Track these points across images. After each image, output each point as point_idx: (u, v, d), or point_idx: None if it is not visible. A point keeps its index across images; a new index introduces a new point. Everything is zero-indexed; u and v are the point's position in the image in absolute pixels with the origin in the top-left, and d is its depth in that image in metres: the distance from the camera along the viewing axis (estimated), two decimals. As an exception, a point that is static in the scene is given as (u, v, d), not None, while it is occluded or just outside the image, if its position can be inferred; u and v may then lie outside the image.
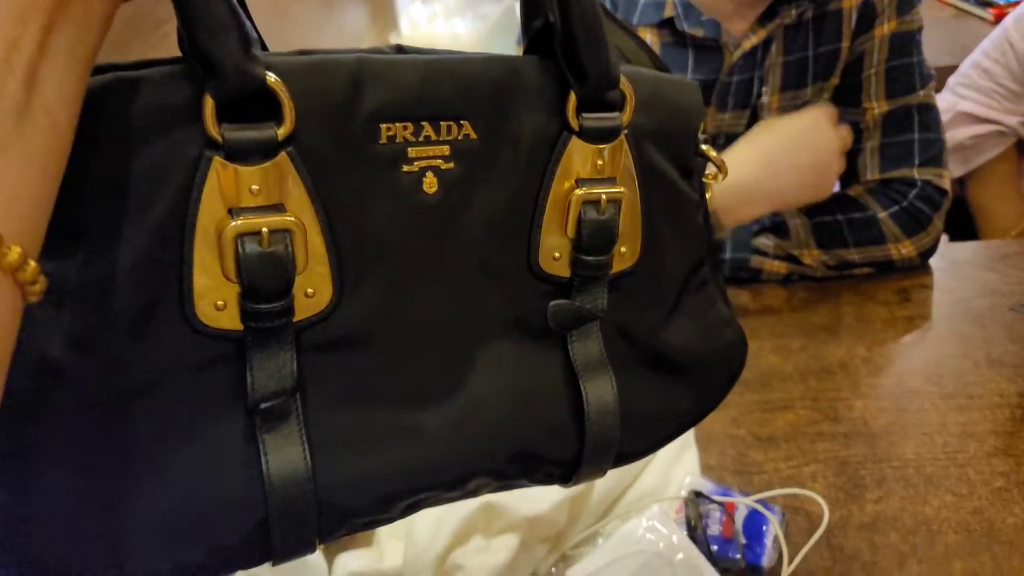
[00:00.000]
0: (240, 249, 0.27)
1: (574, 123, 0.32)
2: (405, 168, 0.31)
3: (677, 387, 0.39)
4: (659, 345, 0.38)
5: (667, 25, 0.80)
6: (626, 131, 0.34)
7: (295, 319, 0.29)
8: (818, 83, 0.84)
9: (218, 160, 0.27)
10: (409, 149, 0.30)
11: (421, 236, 0.32)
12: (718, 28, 0.79)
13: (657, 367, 0.38)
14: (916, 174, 0.84)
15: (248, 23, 0.27)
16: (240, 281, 0.28)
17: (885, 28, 0.81)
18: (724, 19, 0.80)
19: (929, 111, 0.83)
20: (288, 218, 0.28)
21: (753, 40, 0.80)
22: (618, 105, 0.33)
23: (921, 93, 0.83)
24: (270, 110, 0.27)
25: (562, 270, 0.34)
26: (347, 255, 0.30)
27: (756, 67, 0.82)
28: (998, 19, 1.15)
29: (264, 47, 0.32)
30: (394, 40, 1.54)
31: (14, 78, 0.22)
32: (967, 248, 0.94)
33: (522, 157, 0.33)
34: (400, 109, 0.30)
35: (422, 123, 0.30)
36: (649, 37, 0.81)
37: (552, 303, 0.34)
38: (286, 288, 0.29)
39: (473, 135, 0.31)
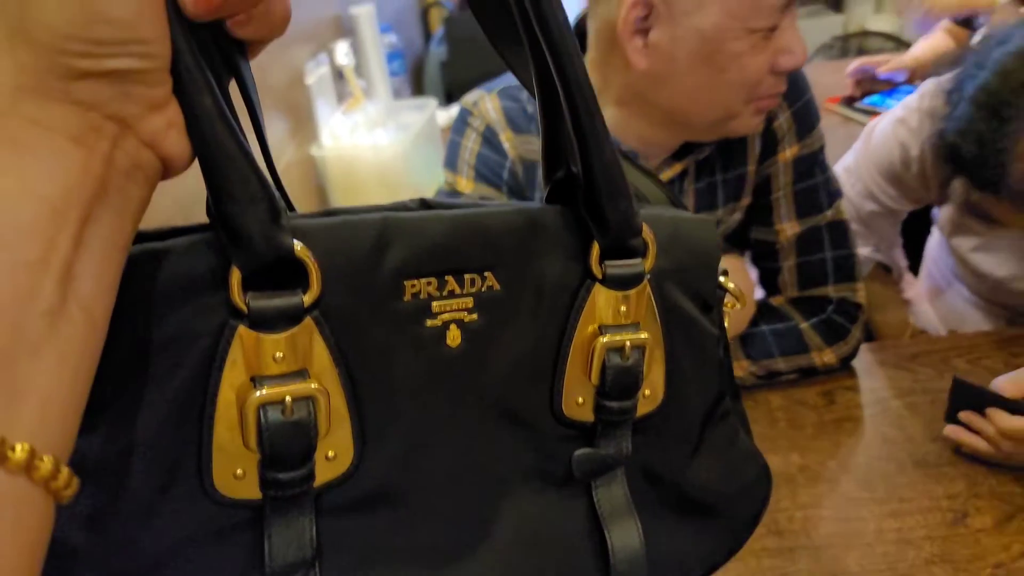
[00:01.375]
0: (262, 419, 0.26)
1: (597, 271, 0.33)
2: (429, 322, 0.30)
3: (703, 528, 0.38)
4: (684, 485, 0.37)
5: None
6: (648, 276, 0.34)
7: (315, 483, 0.28)
8: (729, 204, 0.88)
9: (242, 329, 0.27)
10: (433, 303, 0.30)
11: (443, 389, 0.31)
12: (636, 159, 0.82)
13: (682, 508, 0.37)
14: (832, 292, 0.88)
15: (276, 192, 0.26)
16: (261, 450, 0.27)
17: (788, 153, 0.86)
18: (643, 150, 0.82)
19: (839, 228, 0.88)
20: (312, 385, 0.27)
21: (668, 174, 0.84)
22: (640, 251, 0.33)
23: (829, 213, 0.87)
24: (296, 276, 0.27)
25: (585, 414, 0.34)
26: (369, 414, 0.30)
27: None
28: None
29: (291, 207, 0.32)
30: (315, 152, 1.55)
31: (50, 278, 0.22)
32: (879, 349, 0.98)
33: (545, 305, 0.33)
34: (424, 265, 0.30)
35: (446, 277, 0.30)
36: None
37: (576, 453, 0.34)
38: (308, 455, 0.28)
39: (497, 286, 0.31)
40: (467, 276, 0.31)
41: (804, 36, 0.71)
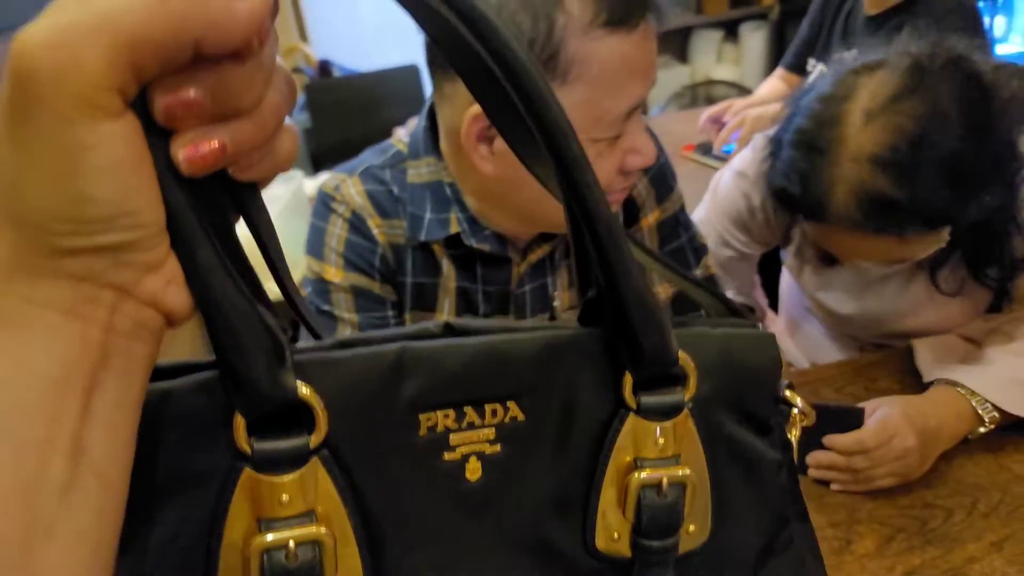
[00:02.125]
0: (266, 564, 0.26)
1: (631, 401, 0.30)
2: (447, 456, 0.29)
3: None
4: None
5: (454, 240, 0.80)
6: (690, 404, 0.31)
7: None
8: None
9: (248, 472, 0.26)
10: (451, 436, 0.29)
11: (463, 525, 0.30)
12: (504, 243, 0.80)
13: None
14: None
15: (281, 333, 0.26)
16: None
17: (650, 219, 0.87)
18: (509, 233, 0.81)
19: (709, 284, 0.90)
20: (320, 529, 0.27)
21: (538, 253, 0.83)
22: (680, 379, 0.31)
23: (698, 271, 0.89)
24: (303, 418, 0.27)
25: (622, 549, 0.31)
26: (383, 553, 0.29)
27: (546, 273, 0.84)
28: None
29: (316, 335, 0.31)
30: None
31: (59, 455, 0.22)
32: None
33: (575, 435, 0.31)
34: (441, 396, 0.29)
35: (465, 408, 0.29)
36: (436, 252, 0.81)
37: None
38: None
39: (521, 416, 0.30)
40: (488, 406, 0.29)
41: (656, 86, 0.73)
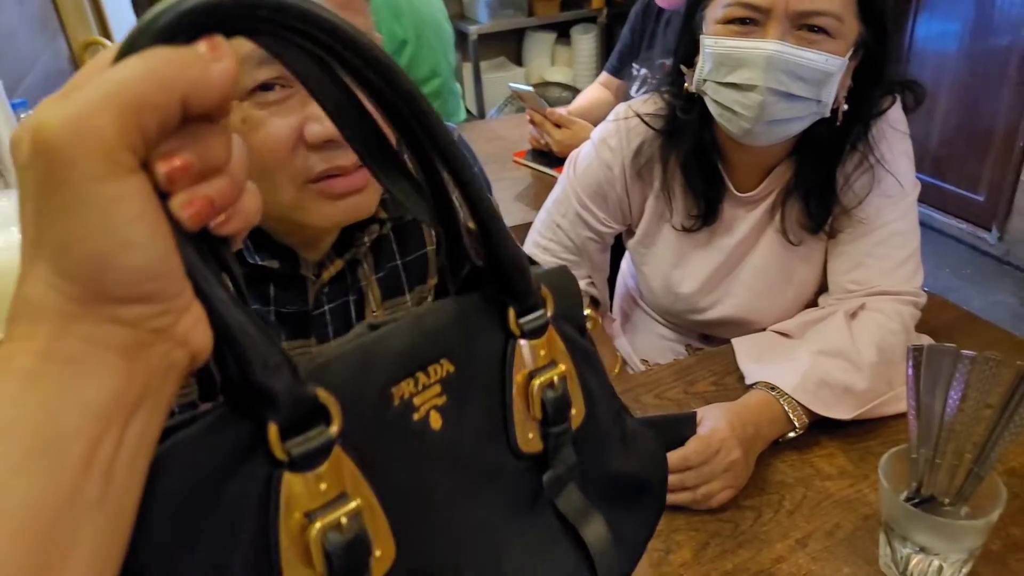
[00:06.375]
0: (326, 544, 0.31)
1: (516, 330, 0.40)
2: (415, 416, 0.36)
3: (638, 503, 0.48)
4: (616, 475, 0.46)
5: (237, 257, 0.73)
6: (551, 321, 0.42)
7: None
8: (416, 288, 0.85)
9: (288, 475, 0.30)
10: (414, 399, 0.36)
11: (438, 467, 0.37)
12: (296, 259, 0.74)
13: (619, 494, 0.46)
14: None
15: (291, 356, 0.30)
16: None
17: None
18: (300, 248, 0.74)
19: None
20: (359, 503, 0.32)
21: (331, 270, 0.76)
22: (541, 304, 0.41)
23: None
24: (319, 416, 0.31)
25: (536, 446, 0.41)
26: (395, 511, 0.34)
27: (348, 292, 0.79)
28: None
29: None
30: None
31: (94, 476, 0.24)
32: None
33: (486, 371, 0.40)
34: (401, 371, 0.36)
35: (417, 374, 0.37)
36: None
37: (545, 478, 0.42)
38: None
39: (452, 368, 0.38)
40: (430, 368, 0.37)
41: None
